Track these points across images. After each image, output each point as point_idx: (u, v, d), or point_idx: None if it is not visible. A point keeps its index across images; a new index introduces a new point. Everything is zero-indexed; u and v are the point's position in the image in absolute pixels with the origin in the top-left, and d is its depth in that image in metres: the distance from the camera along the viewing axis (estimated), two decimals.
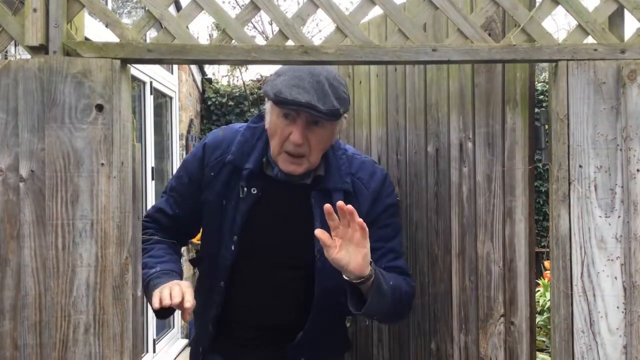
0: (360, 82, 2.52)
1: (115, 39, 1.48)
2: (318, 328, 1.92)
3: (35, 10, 1.42)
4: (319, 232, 1.65)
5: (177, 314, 6.37)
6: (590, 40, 1.52)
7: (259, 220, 1.88)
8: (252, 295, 1.93)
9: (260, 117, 1.95)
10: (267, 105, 1.86)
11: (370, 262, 1.71)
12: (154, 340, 5.61)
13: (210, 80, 8.24)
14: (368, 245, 1.67)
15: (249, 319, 1.95)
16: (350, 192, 1.87)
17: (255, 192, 1.86)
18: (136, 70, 5.11)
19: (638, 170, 1.47)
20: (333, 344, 2.06)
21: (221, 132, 1.96)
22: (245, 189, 1.85)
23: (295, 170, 1.81)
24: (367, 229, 1.65)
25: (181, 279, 1.84)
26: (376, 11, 1.58)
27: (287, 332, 1.93)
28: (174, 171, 6.76)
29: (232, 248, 1.87)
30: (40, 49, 1.44)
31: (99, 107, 1.42)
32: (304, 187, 1.87)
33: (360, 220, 1.64)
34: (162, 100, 6.30)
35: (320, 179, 1.87)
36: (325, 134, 1.81)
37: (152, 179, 5.61)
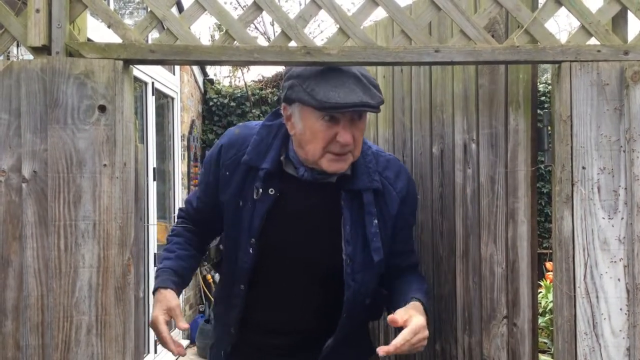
0: None
1: (118, 41, 1.48)
2: (347, 333, 1.88)
3: (37, 10, 1.42)
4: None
5: None
6: (593, 41, 1.52)
7: (279, 221, 1.81)
8: (274, 299, 1.89)
9: (276, 114, 1.87)
10: (293, 111, 1.73)
11: (423, 307, 1.75)
12: (156, 341, 5.61)
13: (211, 81, 8.25)
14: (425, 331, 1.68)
15: (271, 323, 1.91)
16: (379, 191, 1.81)
17: (273, 192, 1.79)
18: (138, 71, 5.11)
19: None
20: (359, 349, 2.01)
21: (237, 130, 1.91)
22: (261, 189, 1.79)
23: (342, 168, 1.74)
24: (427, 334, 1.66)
25: (178, 277, 1.88)
26: (380, 12, 1.58)
27: (311, 338, 1.89)
28: (176, 172, 6.80)
29: (251, 251, 1.82)
30: (42, 50, 1.44)
31: (102, 108, 1.41)
32: (328, 186, 1.80)
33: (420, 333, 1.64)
34: (163, 101, 6.31)
35: (347, 178, 1.80)
36: (364, 125, 1.75)
37: (154, 179, 5.61)
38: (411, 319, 1.65)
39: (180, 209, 2.11)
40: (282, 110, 1.79)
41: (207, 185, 1.93)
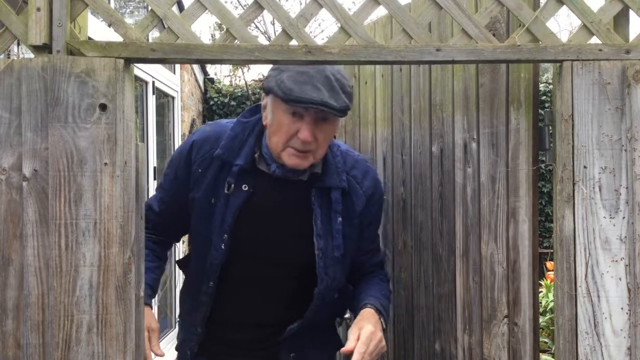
0: (366, 83, 2.52)
1: (118, 39, 1.48)
2: (312, 324, 1.91)
3: (38, 9, 1.42)
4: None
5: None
6: (595, 40, 1.52)
7: (251, 217, 1.84)
8: (243, 295, 1.91)
9: (252, 111, 1.90)
10: (267, 101, 1.80)
11: (379, 315, 1.83)
12: None
13: (212, 80, 8.25)
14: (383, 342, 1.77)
15: (240, 319, 1.93)
16: (346, 190, 1.87)
17: (247, 188, 1.82)
18: (138, 69, 5.11)
19: None
20: (324, 341, 2.04)
21: (208, 127, 1.93)
22: (234, 185, 1.81)
23: (300, 165, 1.77)
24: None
25: (151, 291, 1.89)
26: (381, 11, 1.58)
27: (279, 332, 1.91)
28: None
29: (222, 247, 1.83)
30: (43, 48, 1.44)
31: (103, 107, 1.41)
32: (300, 184, 1.84)
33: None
34: (164, 100, 6.30)
35: (317, 176, 1.85)
36: (331, 129, 1.79)
37: (154, 178, 5.60)
38: (361, 332, 1.72)
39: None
40: (262, 99, 1.85)
41: (173, 183, 1.92)
